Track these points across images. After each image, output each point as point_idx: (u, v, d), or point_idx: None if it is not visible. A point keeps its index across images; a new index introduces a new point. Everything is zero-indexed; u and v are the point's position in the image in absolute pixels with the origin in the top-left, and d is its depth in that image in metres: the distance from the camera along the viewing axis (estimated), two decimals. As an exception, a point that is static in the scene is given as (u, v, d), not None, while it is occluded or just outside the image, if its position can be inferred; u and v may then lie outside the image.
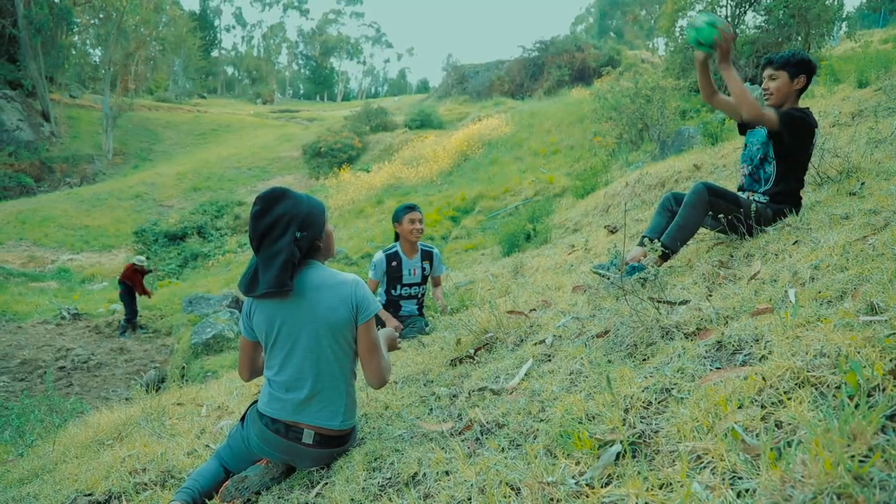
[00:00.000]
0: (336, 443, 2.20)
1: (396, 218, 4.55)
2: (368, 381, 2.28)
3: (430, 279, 4.77)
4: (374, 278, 4.54)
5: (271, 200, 2.14)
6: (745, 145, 3.51)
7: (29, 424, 4.79)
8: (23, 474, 3.44)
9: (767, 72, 3.31)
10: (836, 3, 13.34)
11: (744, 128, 3.55)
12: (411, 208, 4.56)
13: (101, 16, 39.80)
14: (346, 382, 2.22)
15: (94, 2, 37.95)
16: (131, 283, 12.44)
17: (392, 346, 2.55)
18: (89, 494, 2.61)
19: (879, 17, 29.54)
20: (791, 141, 3.16)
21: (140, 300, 13.05)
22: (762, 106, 3.11)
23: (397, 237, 4.61)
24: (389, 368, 2.30)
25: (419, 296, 4.73)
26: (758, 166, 3.35)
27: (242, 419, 2.30)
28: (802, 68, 3.23)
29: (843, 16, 14.01)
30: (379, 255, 4.56)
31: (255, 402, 2.29)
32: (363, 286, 2.21)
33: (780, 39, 13.25)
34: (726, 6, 14.35)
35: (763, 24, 14.04)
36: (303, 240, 2.14)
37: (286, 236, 2.10)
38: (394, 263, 4.53)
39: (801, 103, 3.43)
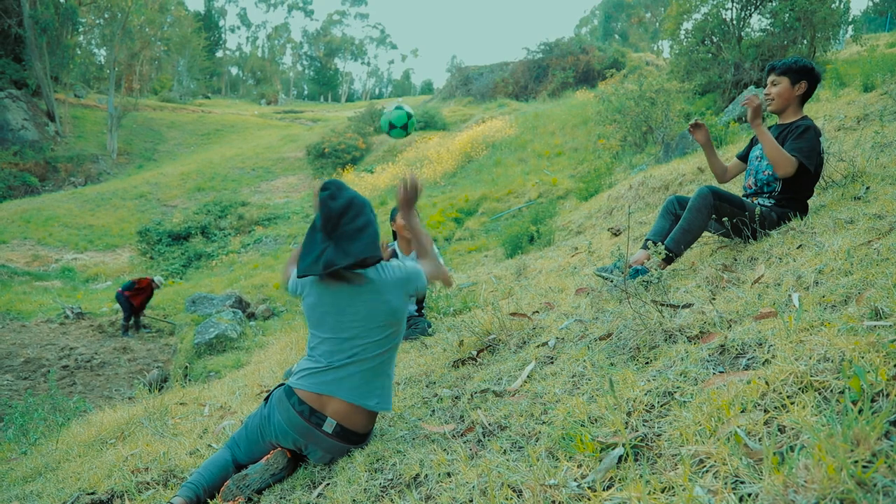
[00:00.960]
0: (353, 439, 2.21)
1: (392, 216, 4.61)
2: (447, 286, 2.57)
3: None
4: None
5: (339, 187, 2.25)
6: (750, 160, 3.53)
7: (32, 423, 4.80)
8: (26, 472, 3.45)
9: (770, 77, 3.35)
10: (841, 6, 13.29)
11: (746, 157, 3.62)
12: None
13: (106, 16, 39.91)
14: (387, 366, 2.27)
15: (100, 2, 38.06)
16: (138, 292, 12.37)
17: (412, 203, 2.60)
18: (92, 493, 2.62)
19: (886, 20, 29.45)
20: (815, 168, 3.21)
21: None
22: (788, 156, 3.13)
23: (395, 236, 4.65)
24: (443, 270, 2.50)
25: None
26: (763, 185, 3.37)
27: (266, 399, 2.33)
28: (804, 75, 3.26)
29: (849, 19, 13.98)
30: None
31: (282, 384, 2.31)
32: (413, 274, 2.32)
33: (785, 43, 13.24)
34: (731, 9, 14.32)
35: (768, 28, 14.01)
36: (375, 223, 2.27)
37: (364, 214, 2.21)
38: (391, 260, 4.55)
39: (806, 108, 3.44)
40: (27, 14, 32.90)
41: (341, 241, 2.16)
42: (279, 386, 2.32)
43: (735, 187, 4.94)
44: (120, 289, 12.57)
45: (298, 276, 2.22)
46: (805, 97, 3.34)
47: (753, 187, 3.43)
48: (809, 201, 3.45)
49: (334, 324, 2.20)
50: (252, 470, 2.23)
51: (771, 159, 3.16)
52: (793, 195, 3.27)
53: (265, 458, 2.27)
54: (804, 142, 3.18)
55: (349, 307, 2.19)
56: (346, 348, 2.18)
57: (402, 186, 2.54)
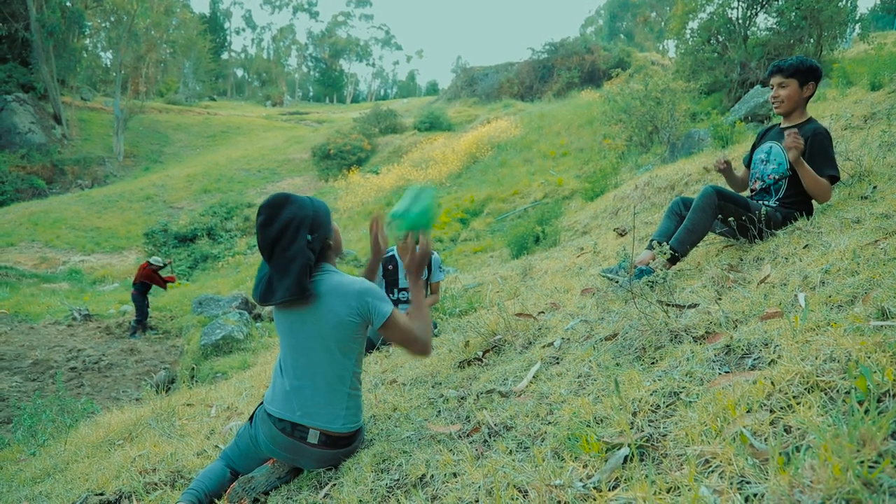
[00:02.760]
0: (342, 444, 2.20)
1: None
2: (416, 357, 2.32)
3: (428, 285, 4.68)
4: None
5: (276, 207, 2.14)
6: (753, 163, 3.53)
7: (41, 424, 4.83)
8: (35, 473, 3.48)
9: (777, 79, 3.31)
10: (849, 4, 13.21)
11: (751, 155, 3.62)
12: None
13: (112, 19, 40.11)
14: (349, 386, 2.21)
15: (106, 5, 38.25)
16: (149, 281, 12.58)
17: (420, 268, 2.39)
18: (100, 494, 2.63)
19: (894, 18, 29.30)
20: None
21: (153, 300, 13.16)
22: (825, 183, 3.16)
23: None
24: (428, 339, 2.25)
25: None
26: (770, 185, 3.36)
27: (251, 419, 2.32)
28: (811, 75, 3.25)
29: (857, 17, 13.88)
30: None
31: (263, 402, 2.31)
32: (373, 292, 2.17)
33: (791, 42, 13.18)
34: (737, 8, 14.28)
35: (775, 26, 13.96)
36: (314, 242, 2.14)
37: (298, 241, 2.10)
38: (390, 267, 4.49)
39: (813, 107, 3.44)
40: (34, 18, 33.11)
41: (276, 271, 2.11)
42: (261, 403, 2.31)
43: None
44: (133, 290, 12.66)
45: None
46: (811, 97, 3.34)
47: (759, 189, 3.43)
48: (815, 202, 3.44)
49: (290, 339, 2.19)
50: (258, 472, 2.24)
51: (812, 192, 3.17)
52: (798, 196, 3.26)
53: (271, 461, 2.28)
54: (826, 156, 3.19)
55: (300, 325, 2.16)
56: (304, 368, 2.16)
57: (405, 250, 2.39)
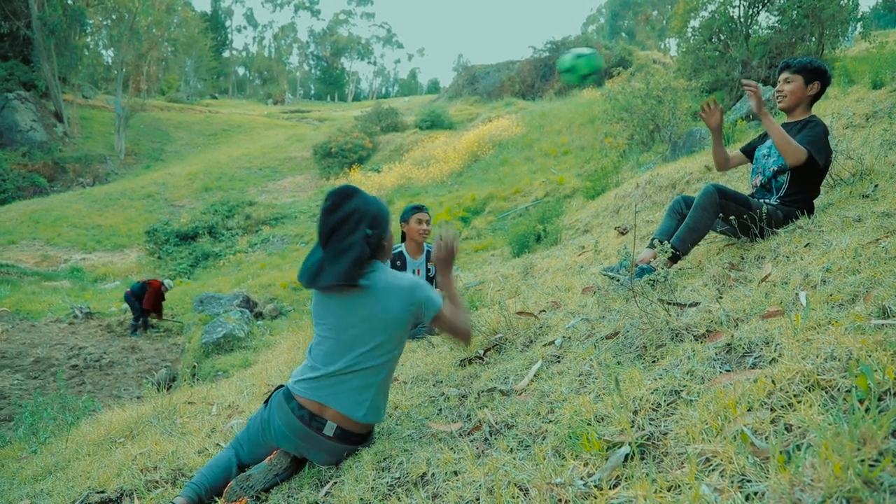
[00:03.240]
0: (355, 440, 2.21)
1: (404, 218, 4.55)
2: (460, 345, 2.36)
3: (435, 282, 4.71)
4: None
5: (343, 196, 2.19)
6: (755, 159, 3.52)
7: (42, 422, 4.84)
8: (36, 471, 3.48)
9: (784, 75, 3.34)
10: (850, 2, 13.18)
11: (751, 154, 3.60)
12: (419, 208, 4.56)
13: (113, 17, 40.08)
14: (381, 380, 2.23)
15: (107, 3, 38.23)
16: (148, 294, 12.46)
17: (450, 264, 2.44)
18: (101, 492, 2.64)
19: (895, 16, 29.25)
20: (825, 163, 3.20)
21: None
22: (798, 145, 3.12)
23: (403, 237, 4.61)
24: (468, 324, 2.30)
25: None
26: (770, 178, 3.36)
27: (266, 402, 2.33)
28: (818, 76, 3.27)
29: (858, 16, 13.84)
30: None
31: (281, 385, 2.32)
32: (424, 285, 2.23)
33: (793, 40, 13.15)
34: (739, 7, 14.25)
35: (776, 25, 13.93)
36: (373, 237, 2.19)
37: (357, 232, 2.15)
38: (398, 263, 4.52)
39: (814, 105, 3.45)
40: (35, 16, 33.11)
41: (329, 257, 2.16)
42: (278, 388, 2.33)
43: (743, 186, 4.93)
44: (128, 289, 12.65)
45: (297, 278, 2.23)
46: (815, 98, 3.34)
47: (760, 185, 3.43)
48: (817, 199, 3.44)
49: (334, 325, 2.20)
50: (255, 470, 2.23)
51: (779, 148, 3.14)
52: (799, 195, 3.25)
53: (268, 458, 2.28)
54: (813, 134, 3.18)
55: (346, 315, 2.18)
56: (343, 353, 2.17)
57: (437, 244, 2.41)
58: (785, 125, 3.37)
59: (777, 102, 3.42)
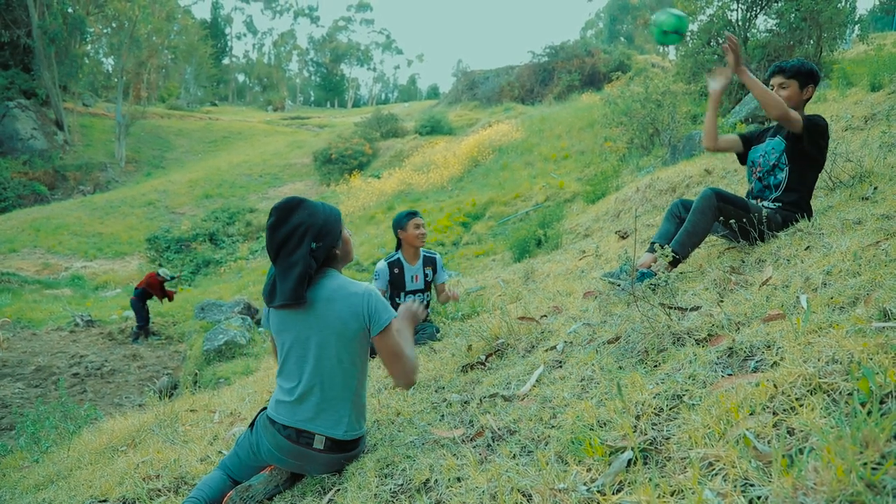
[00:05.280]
0: (348, 447, 2.21)
1: (399, 224, 4.50)
2: (396, 384, 2.28)
3: (433, 287, 4.72)
4: (380, 287, 4.43)
5: (287, 211, 2.16)
6: (751, 161, 3.52)
7: (44, 431, 4.83)
8: (38, 480, 3.48)
9: (777, 79, 3.33)
10: (848, 5, 13.21)
11: (744, 157, 3.59)
12: (414, 214, 4.54)
13: (113, 25, 40.24)
14: (353, 392, 2.22)
15: (107, 11, 38.36)
16: (150, 290, 12.59)
17: (415, 320, 2.49)
18: (104, 500, 2.64)
19: (893, 19, 29.29)
20: (810, 146, 3.18)
21: (154, 307, 13.19)
22: (780, 99, 3.11)
23: (399, 245, 4.58)
24: (416, 367, 2.27)
25: (423, 303, 4.69)
26: (768, 172, 3.35)
27: (251, 425, 2.31)
28: (812, 79, 3.28)
29: (856, 18, 13.88)
30: (381, 264, 4.50)
31: (265, 408, 2.30)
32: (375, 297, 2.20)
33: (791, 43, 13.17)
34: (737, 10, 14.29)
35: (774, 28, 13.97)
36: (318, 251, 2.16)
37: (302, 248, 2.12)
38: (396, 271, 4.49)
39: (813, 108, 3.45)
40: (36, 24, 33.21)
41: (279, 273, 2.15)
42: (262, 410, 2.31)
43: (742, 190, 4.93)
44: (133, 296, 12.68)
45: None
46: (808, 100, 3.36)
47: (758, 178, 3.42)
48: (817, 203, 3.44)
49: (293, 340, 2.19)
50: (256, 481, 2.22)
51: (760, 99, 3.11)
52: (796, 197, 3.25)
53: (269, 468, 2.28)
54: (820, 126, 3.18)
55: (301, 326, 2.17)
56: (306, 367, 2.16)
57: (404, 308, 2.48)
58: (778, 127, 3.38)
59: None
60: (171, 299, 13.34)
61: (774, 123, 3.50)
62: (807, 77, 3.27)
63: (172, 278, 13.50)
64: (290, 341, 2.19)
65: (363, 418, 2.30)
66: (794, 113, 3.13)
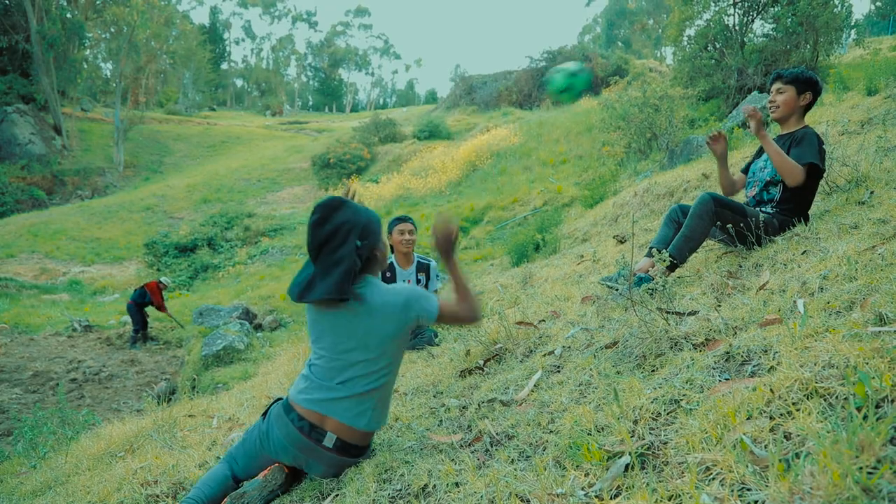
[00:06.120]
0: (354, 452, 2.21)
1: (388, 230, 4.57)
2: (469, 322, 2.30)
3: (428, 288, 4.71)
4: None
5: (330, 209, 2.18)
6: (751, 173, 3.55)
7: (41, 437, 4.82)
8: (36, 487, 3.47)
9: (776, 85, 3.38)
10: (844, 10, 13.29)
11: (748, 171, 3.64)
12: (401, 220, 4.60)
13: (112, 30, 40.31)
14: (382, 389, 2.22)
15: (106, 16, 38.43)
16: (150, 294, 12.56)
17: (446, 238, 2.31)
18: (102, 506, 2.63)
19: (888, 23, 29.40)
20: (822, 172, 3.26)
21: (153, 311, 13.17)
22: (794, 164, 3.14)
23: (392, 249, 4.62)
24: (477, 308, 2.27)
25: None
26: (763, 189, 3.38)
27: (264, 414, 2.31)
28: (809, 86, 3.31)
29: (852, 23, 13.97)
30: None
31: (280, 398, 2.31)
32: (415, 296, 2.19)
33: (788, 47, 13.23)
34: (734, 14, 14.35)
35: (771, 33, 14.03)
36: (363, 248, 2.17)
37: (347, 245, 2.13)
38: (388, 274, 4.54)
39: (809, 112, 3.48)
40: (34, 30, 33.26)
41: (320, 271, 2.15)
42: (276, 400, 2.32)
43: (739, 195, 4.94)
44: (130, 300, 12.67)
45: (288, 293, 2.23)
46: (808, 108, 3.37)
47: (755, 196, 3.44)
48: (813, 207, 3.45)
49: (331, 344, 2.19)
50: (249, 486, 2.22)
51: (777, 168, 3.17)
52: (793, 204, 3.27)
53: (263, 473, 2.27)
54: (807, 146, 3.21)
55: (342, 333, 2.17)
56: (341, 368, 2.16)
57: (434, 231, 2.32)
58: (779, 137, 3.40)
59: (770, 113, 3.45)
60: (161, 309, 13.16)
61: (778, 134, 3.52)
62: (804, 84, 3.30)
63: (166, 287, 13.49)
64: (327, 344, 2.19)
65: (386, 414, 2.30)
66: (803, 171, 3.14)
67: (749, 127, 3.37)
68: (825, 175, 3.99)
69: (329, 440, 2.15)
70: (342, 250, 2.12)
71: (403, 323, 2.18)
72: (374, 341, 2.16)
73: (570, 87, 3.31)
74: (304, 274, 2.20)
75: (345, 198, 2.25)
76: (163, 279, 13.24)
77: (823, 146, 3.26)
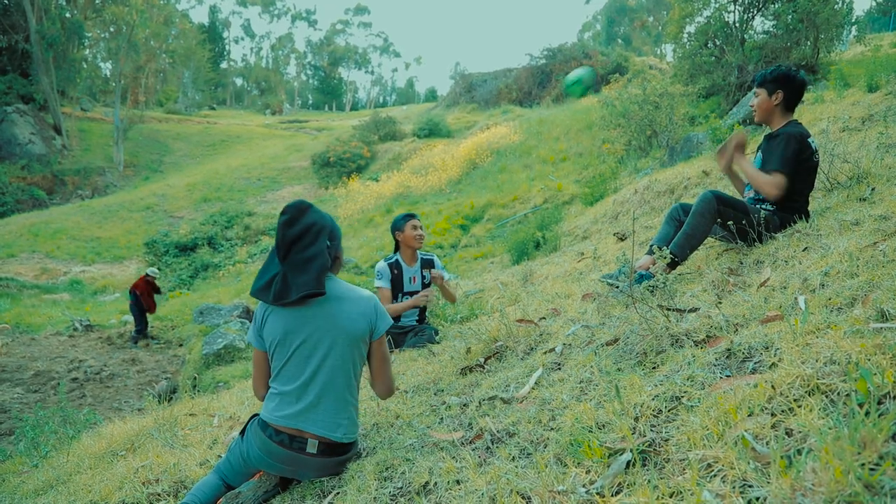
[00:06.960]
0: (340, 451, 2.21)
1: (397, 227, 4.53)
2: (379, 393, 2.40)
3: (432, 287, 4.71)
4: (384, 286, 4.46)
5: (300, 210, 2.22)
6: None
7: (43, 436, 4.82)
8: (38, 486, 3.47)
9: (753, 90, 3.42)
10: (844, 6, 13.26)
11: None
12: (411, 216, 4.57)
13: (111, 30, 40.27)
14: (353, 395, 2.25)
15: (105, 16, 38.41)
16: (140, 294, 12.55)
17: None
18: (103, 505, 2.63)
19: (889, 20, 29.34)
20: (809, 172, 3.24)
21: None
22: (772, 179, 3.15)
23: (397, 247, 4.60)
24: (393, 382, 2.43)
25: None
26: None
27: (242, 432, 2.30)
28: (779, 84, 3.30)
29: (853, 19, 13.94)
30: (382, 264, 4.53)
31: (256, 415, 2.29)
32: (380, 303, 2.31)
33: (788, 44, 13.22)
34: (734, 12, 14.32)
35: (772, 30, 14.01)
36: (332, 249, 2.25)
37: (318, 243, 2.19)
38: (395, 272, 4.52)
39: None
40: (34, 30, 33.24)
41: (291, 269, 2.16)
42: (253, 417, 2.29)
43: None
44: (130, 300, 12.68)
45: (251, 295, 2.22)
46: (788, 104, 3.33)
47: (753, 196, 3.44)
48: (814, 204, 3.45)
49: (297, 339, 2.16)
50: (245, 488, 2.22)
51: (754, 187, 3.20)
52: (790, 202, 3.26)
53: (258, 475, 2.27)
54: (775, 150, 3.19)
55: (309, 325, 2.16)
56: (309, 365, 2.15)
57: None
58: (765, 136, 3.40)
59: (753, 116, 3.50)
60: (151, 310, 13.11)
61: (765, 133, 3.52)
62: (772, 83, 3.30)
63: (158, 290, 13.44)
64: (298, 341, 2.16)
65: (358, 422, 2.32)
66: (783, 181, 3.14)
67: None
68: (826, 171, 3.99)
69: (311, 446, 2.14)
70: (313, 248, 2.18)
71: (367, 314, 2.25)
72: (339, 333, 2.17)
73: (580, 80, 3.38)
74: (269, 274, 2.20)
75: (311, 202, 2.29)
76: (149, 270, 13.21)
77: (800, 144, 3.18)
